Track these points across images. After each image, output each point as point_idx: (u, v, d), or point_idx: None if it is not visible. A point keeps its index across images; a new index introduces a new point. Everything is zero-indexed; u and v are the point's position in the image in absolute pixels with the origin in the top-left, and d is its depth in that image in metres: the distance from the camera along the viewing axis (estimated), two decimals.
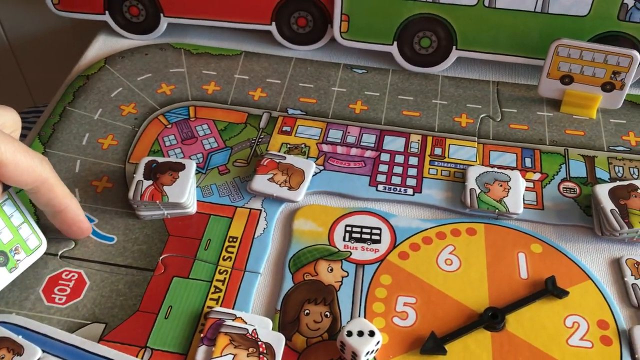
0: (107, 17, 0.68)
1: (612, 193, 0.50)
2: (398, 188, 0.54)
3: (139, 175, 0.51)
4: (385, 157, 0.56)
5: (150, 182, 0.51)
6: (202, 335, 0.43)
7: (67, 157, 0.56)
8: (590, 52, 0.56)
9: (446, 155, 0.57)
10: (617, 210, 0.49)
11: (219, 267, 0.48)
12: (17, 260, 0.44)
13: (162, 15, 0.67)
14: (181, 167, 0.52)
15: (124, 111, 0.60)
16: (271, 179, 0.53)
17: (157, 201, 0.49)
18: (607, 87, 0.58)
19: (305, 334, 0.44)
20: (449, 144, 0.58)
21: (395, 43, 0.64)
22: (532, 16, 0.60)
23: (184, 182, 0.51)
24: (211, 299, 0.46)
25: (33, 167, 0.41)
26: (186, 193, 0.50)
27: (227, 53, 0.67)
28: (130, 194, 0.50)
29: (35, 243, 0.45)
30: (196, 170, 0.54)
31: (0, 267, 0.43)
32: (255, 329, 0.43)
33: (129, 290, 0.47)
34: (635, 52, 0.55)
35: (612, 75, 0.57)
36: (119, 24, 0.68)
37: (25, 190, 0.43)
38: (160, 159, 0.52)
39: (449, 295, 0.47)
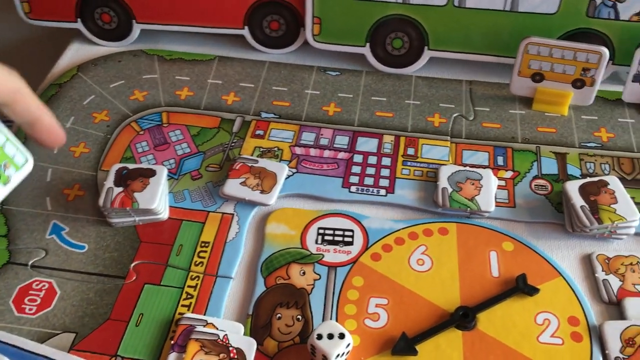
0: (79, 25, 0.68)
1: (583, 189, 0.50)
2: (371, 189, 0.54)
3: (110, 182, 0.51)
4: (358, 158, 0.56)
5: (121, 188, 0.50)
6: (172, 342, 0.43)
7: (38, 166, 0.55)
8: (560, 49, 0.57)
9: (419, 155, 0.57)
10: (587, 206, 0.49)
11: (190, 273, 0.48)
12: (8, 175, 0.43)
13: (134, 21, 0.67)
14: (152, 173, 0.52)
15: (96, 118, 0.60)
16: (243, 183, 0.53)
17: (128, 208, 0.49)
18: (578, 84, 0.58)
19: (277, 338, 0.44)
20: (422, 144, 0.58)
21: (367, 44, 0.64)
22: (502, 15, 0.61)
23: (155, 188, 0.50)
24: (183, 306, 0.46)
25: (5, 77, 0.41)
26: (157, 199, 0.50)
27: (200, 58, 0.67)
28: (101, 201, 0.50)
29: (22, 160, 0.44)
30: (168, 176, 0.54)
31: None
32: (226, 335, 0.43)
33: (100, 299, 0.46)
34: (603, 49, 0.56)
35: (582, 72, 0.58)
36: (92, 32, 0.68)
37: (1, 104, 0.42)
38: (131, 166, 0.52)
39: (420, 296, 0.47)
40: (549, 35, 0.59)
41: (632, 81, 0.59)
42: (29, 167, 0.45)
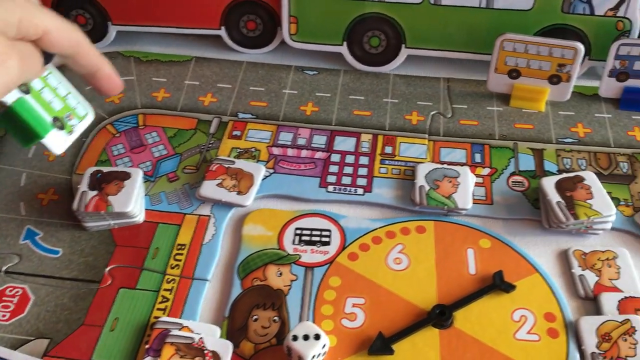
0: None
1: (559, 185, 0.50)
2: (348, 188, 0.54)
3: (84, 186, 0.50)
4: (335, 157, 0.56)
5: (95, 192, 0.50)
6: (147, 346, 0.43)
7: (12, 171, 0.55)
8: (535, 45, 0.57)
9: (397, 154, 0.57)
10: (563, 202, 0.49)
11: (166, 276, 0.48)
12: (72, 125, 0.44)
13: (109, 23, 0.66)
14: (127, 176, 0.51)
15: None
16: (220, 185, 0.53)
17: (102, 211, 0.49)
18: (554, 79, 0.59)
19: (254, 340, 0.44)
20: (400, 142, 0.58)
21: (345, 43, 0.64)
22: (477, 12, 0.60)
23: (130, 191, 0.50)
24: (158, 309, 0.46)
25: (71, 29, 0.41)
26: (131, 202, 0.49)
27: (177, 59, 0.66)
28: (75, 205, 0.49)
29: (83, 112, 0.46)
30: (144, 178, 0.54)
31: (59, 130, 0.43)
32: (201, 338, 0.43)
33: (74, 304, 0.46)
34: (578, 44, 0.56)
35: (558, 68, 0.58)
36: None
37: (64, 56, 0.42)
38: (105, 169, 0.52)
39: (397, 295, 0.47)
40: (525, 32, 0.59)
41: (608, 76, 0.59)
42: (89, 118, 0.47)
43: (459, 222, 0.51)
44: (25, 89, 0.41)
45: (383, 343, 0.43)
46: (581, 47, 0.56)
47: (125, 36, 0.68)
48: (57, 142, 0.43)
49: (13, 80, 0.37)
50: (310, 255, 0.49)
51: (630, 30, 0.59)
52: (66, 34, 0.41)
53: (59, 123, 0.43)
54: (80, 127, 0.45)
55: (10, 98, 0.39)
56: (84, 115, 0.46)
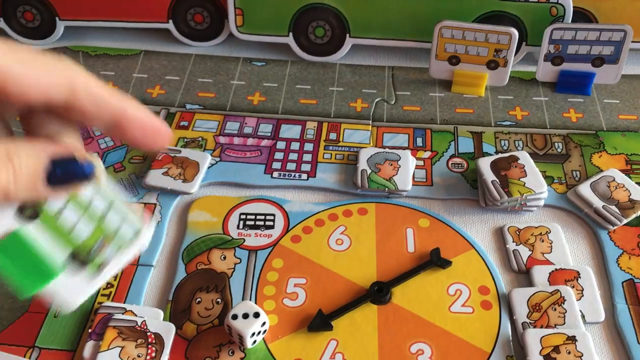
0: (2, 24, 0.67)
1: (494, 165, 0.52)
2: (293, 174, 0.55)
3: None
4: (281, 145, 0.57)
5: None
6: (90, 330, 0.44)
7: None
8: (472, 32, 0.58)
9: (341, 140, 0.58)
10: (497, 181, 0.51)
11: None
12: (103, 258, 0.30)
13: (57, 19, 0.67)
14: None
15: (17, 117, 0.59)
16: (166, 173, 0.54)
17: None
18: (492, 65, 0.60)
19: (196, 321, 0.45)
20: (344, 129, 0.59)
21: (290, 34, 0.65)
22: (418, 0, 0.62)
23: None
24: (102, 295, 0.46)
25: (49, 68, 0.27)
26: None
27: (126, 53, 0.67)
28: None
29: (130, 233, 0.30)
30: None
31: (78, 270, 0.29)
32: (144, 321, 0.44)
33: None
34: (512, 29, 0.58)
35: (495, 53, 0.59)
36: (15, 30, 0.68)
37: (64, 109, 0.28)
38: None
39: (338, 274, 0.48)
40: (465, 19, 0.61)
41: (544, 60, 0.61)
42: (141, 241, 0.31)
43: (399, 204, 0.53)
44: (32, 212, 0.28)
45: (322, 319, 0.44)
46: (515, 32, 0.58)
47: (75, 32, 0.69)
48: (70, 291, 0.29)
49: None
50: (254, 239, 0.50)
51: (564, 15, 0.61)
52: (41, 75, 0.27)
53: (79, 260, 0.29)
54: (118, 260, 0.30)
55: None
56: (130, 239, 0.30)
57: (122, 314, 0.44)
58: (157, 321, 0.44)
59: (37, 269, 0.28)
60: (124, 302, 0.46)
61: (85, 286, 0.29)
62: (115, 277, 0.47)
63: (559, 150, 0.56)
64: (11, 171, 0.26)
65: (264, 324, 0.43)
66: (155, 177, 0.53)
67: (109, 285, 0.47)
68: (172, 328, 0.44)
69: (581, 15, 0.62)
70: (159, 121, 0.31)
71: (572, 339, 0.42)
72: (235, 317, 0.42)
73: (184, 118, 0.60)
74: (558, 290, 0.45)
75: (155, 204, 0.52)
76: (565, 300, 0.45)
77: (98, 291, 0.46)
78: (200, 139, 0.58)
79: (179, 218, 0.52)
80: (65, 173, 0.27)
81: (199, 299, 0.46)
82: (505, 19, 0.62)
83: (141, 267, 0.48)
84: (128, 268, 0.48)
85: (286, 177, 0.55)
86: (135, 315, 0.44)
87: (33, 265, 0.28)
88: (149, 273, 0.48)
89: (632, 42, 0.59)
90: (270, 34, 0.66)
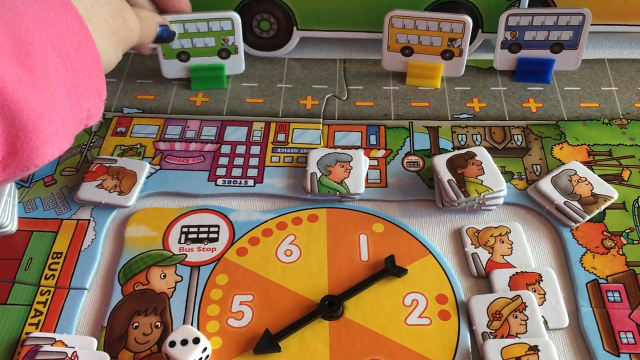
0: None
1: (450, 163, 0.49)
2: (238, 180, 0.51)
3: None
4: (226, 149, 0.54)
5: None
6: None
7: None
8: (423, 20, 0.55)
9: (289, 141, 0.54)
10: (454, 180, 0.48)
11: (40, 288, 0.44)
12: None
13: None
14: None
15: None
16: (100, 186, 0.50)
17: None
18: (447, 55, 0.57)
19: (133, 349, 0.42)
20: (293, 129, 0.55)
21: None
22: None
23: None
24: (30, 324, 0.43)
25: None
26: None
27: None
28: None
29: None
30: (18, 184, 0.50)
31: None
32: (75, 352, 0.40)
33: None
34: (466, 17, 0.55)
35: (449, 43, 0.56)
36: None
37: None
38: None
39: (287, 288, 0.45)
40: (417, 8, 0.57)
41: (501, 48, 0.58)
42: None
43: (352, 208, 0.49)
44: None
45: (269, 340, 0.41)
46: (469, 20, 0.55)
47: None
48: None
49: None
50: (197, 253, 0.47)
51: (520, 0, 0.58)
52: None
53: None
54: None
55: None
56: None
57: (51, 344, 0.41)
58: (89, 351, 0.41)
59: None
60: (54, 331, 0.42)
61: None
62: (45, 304, 0.43)
63: (519, 143, 0.54)
64: (140, 26, 0.48)
65: (205, 349, 0.40)
66: (88, 191, 0.49)
67: (37, 313, 0.43)
68: (106, 358, 0.40)
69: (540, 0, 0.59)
70: None
71: (535, 349, 0.40)
72: (173, 344, 0.39)
73: (121, 123, 0.56)
74: (519, 296, 0.43)
75: (89, 220, 0.48)
76: (526, 307, 0.42)
77: (26, 320, 0.43)
78: (138, 145, 0.54)
79: (116, 234, 0.48)
80: (165, 33, 0.52)
81: (136, 324, 0.43)
82: (460, 7, 0.59)
83: (73, 291, 0.44)
84: (59, 293, 0.44)
85: (231, 184, 0.51)
86: (66, 345, 0.41)
87: None
88: (81, 297, 0.44)
89: (592, 25, 0.56)
90: None
